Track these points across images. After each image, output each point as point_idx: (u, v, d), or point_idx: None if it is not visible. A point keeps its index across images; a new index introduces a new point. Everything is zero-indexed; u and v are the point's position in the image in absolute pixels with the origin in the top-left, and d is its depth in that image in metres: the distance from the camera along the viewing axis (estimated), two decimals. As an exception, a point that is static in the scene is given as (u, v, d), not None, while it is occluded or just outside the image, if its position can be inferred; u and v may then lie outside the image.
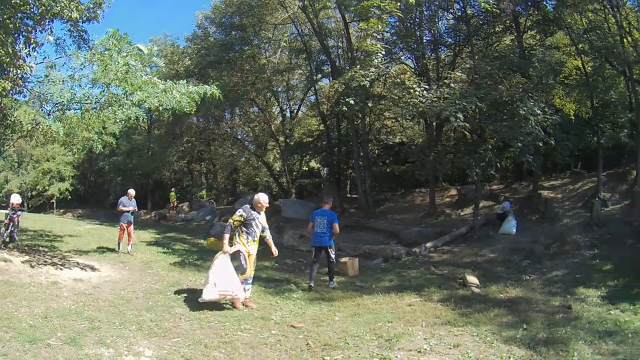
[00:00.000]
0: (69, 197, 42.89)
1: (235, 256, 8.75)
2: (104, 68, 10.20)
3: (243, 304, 8.74)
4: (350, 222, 21.94)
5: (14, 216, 13.62)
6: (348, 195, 30.17)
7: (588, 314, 8.04)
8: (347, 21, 24.91)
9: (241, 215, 8.71)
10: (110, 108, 10.71)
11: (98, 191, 45.14)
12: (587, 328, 7.27)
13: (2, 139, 14.79)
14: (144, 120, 10.87)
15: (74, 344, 6.29)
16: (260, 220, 8.97)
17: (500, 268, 12.60)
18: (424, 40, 21.95)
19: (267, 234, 9.30)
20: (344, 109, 18.11)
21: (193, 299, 9.18)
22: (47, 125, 10.21)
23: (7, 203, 15.82)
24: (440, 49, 23.10)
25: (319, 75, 30.89)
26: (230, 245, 8.65)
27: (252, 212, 8.82)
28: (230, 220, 8.83)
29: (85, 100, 11.00)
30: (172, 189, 36.07)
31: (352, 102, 17.20)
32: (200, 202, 34.05)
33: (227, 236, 8.56)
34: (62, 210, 42.52)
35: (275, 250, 9.58)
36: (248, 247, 8.80)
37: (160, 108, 10.55)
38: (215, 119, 35.30)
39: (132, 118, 10.69)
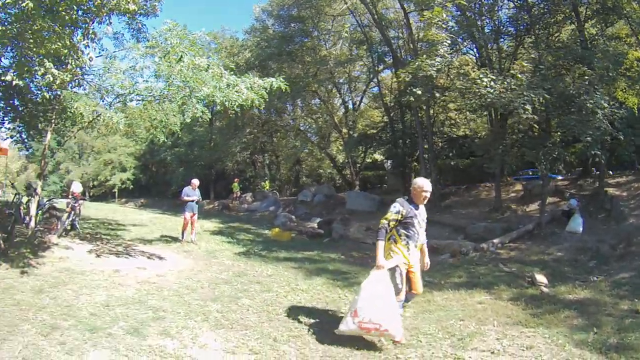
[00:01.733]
0: (131, 186, 45.81)
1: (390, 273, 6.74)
2: (168, 62, 10.55)
3: (395, 342, 6.66)
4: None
5: (76, 205, 14.23)
6: (412, 188, 29.78)
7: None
8: (407, 11, 24.96)
9: (398, 212, 6.62)
10: (172, 103, 11.05)
11: (160, 181, 46.95)
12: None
13: (62, 130, 15.50)
14: (203, 114, 11.03)
15: (136, 334, 6.44)
16: (422, 217, 6.92)
17: (567, 267, 12.66)
18: (486, 30, 21.42)
19: (424, 238, 7.13)
20: (411, 99, 18.24)
21: (260, 290, 9.33)
22: (108, 117, 10.50)
23: (68, 192, 16.52)
24: (501, 39, 22.49)
25: (381, 67, 30.76)
26: (387, 258, 6.67)
27: (411, 206, 6.73)
28: (384, 221, 6.61)
29: (148, 92, 11.32)
30: (235, 180, 37.11)
31: (419, 92, 17.34)
32: (264, 193, 34.77)
33: (382, 244, 6.56)
34: (123, 200, 44.96)
35: (428, 262, 7.38)
36: (408, 256, 6.76)
37: (227, 104, 10.61)
38: (277, 110, 35.88)
39: (198, 116, 10.95)
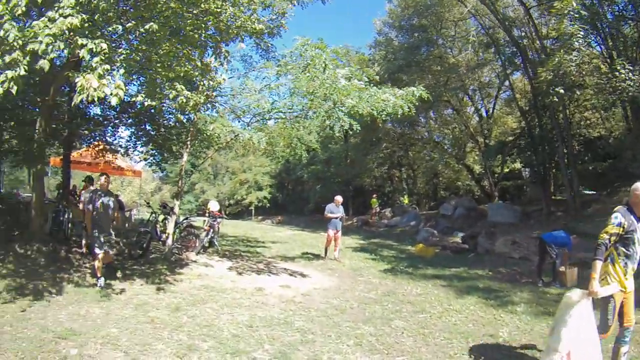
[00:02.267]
0: (268, 204, 46.69)
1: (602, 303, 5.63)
2: (308, 76, 10.39)
3: None
4: (558, 226, 19.93)
5: (214, 223, 14.54)
6: (553, 197, 27.76)
7: None
8: (528, 7, 23.32)
9: (620, 224, 5.38)
10: (314, 117, 10.78)
11: (297, 199, 47.58)
12: None
13: (198, 152, 15.83)
14: (353, 126, 10.53)
15: (284, 359, 5.97)
16: None
17: None
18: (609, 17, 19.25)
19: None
20: (554, 99, 16.88)
21: (412, 311, 8.61)
22: (247, 137, 10.36)
23: (204, 210, 16.88)
24: (623, 25, 20.08)
25: (510, 70, 29.06)
26: (602, 284, 5.47)
27: (632, 217, 5.44)
28: (605, 235, 5.38)
29: (288, 109, 11.12)
30: (374, 195, 36.74)
31: (561, 91, 16.12)
32: (403, 208, 34.01)
33: (599, 265, 5.37)
34: (260, 217, 46.03)
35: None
36: (625, 281, 5.49)
37: (375, 113, 10.20)
38: (410, 123, 35.09)
39: (346, 127, 10.48)
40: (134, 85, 11.09)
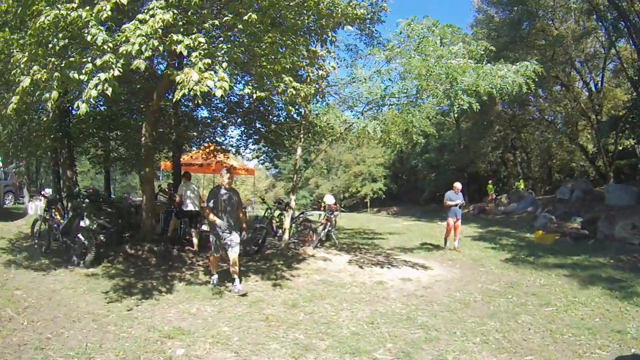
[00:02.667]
0: (383, 196, 46.22)
1: None
2: (422, 55, 9.80)
3: None
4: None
5: (331, 216, 14.31)
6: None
7: None
8: None
9: None
10: (430, 99, 10.21)
11: (411, 189, 46.88)
12: None
13: (312, 145, 15.65)
14: (472, 106, 9.85)
15: (407, 359, 5.51)
16: None
17: None
18: None
19: None
20: None
21: (537, 304, 8.00)
22: (362, 126, 9.98)
23: (320, 205, 16.74)
24: None
25: (615, 36, 26.57)
26: None
27: None
28: None
29: (403, 93, 10.59)
30: (489, 182, 35.59)
31: None
32: (519, 193, 32.27)
33: None
34: (375, 209, 45.70)
35: None
36: None
37: (494, 92, 9.61)
38: (521, 103, 33.38)
39: (465, 107, 9.90)
40: (240, 83, 11.10)
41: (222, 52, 6.72)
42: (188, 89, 5.78)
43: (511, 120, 36.02)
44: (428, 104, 10.50)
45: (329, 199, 15.30)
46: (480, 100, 9.87)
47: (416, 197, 43.63)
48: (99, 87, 5.74)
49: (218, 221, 8.32)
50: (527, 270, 11.03)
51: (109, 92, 5.78)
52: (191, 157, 20.93)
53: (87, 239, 9.99)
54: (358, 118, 10.80)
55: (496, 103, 29.76)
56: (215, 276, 8.95)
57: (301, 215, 14.34)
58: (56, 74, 6.04)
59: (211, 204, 8.50)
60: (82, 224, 10.98)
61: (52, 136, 12.57)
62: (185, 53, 6.04)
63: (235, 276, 8.52)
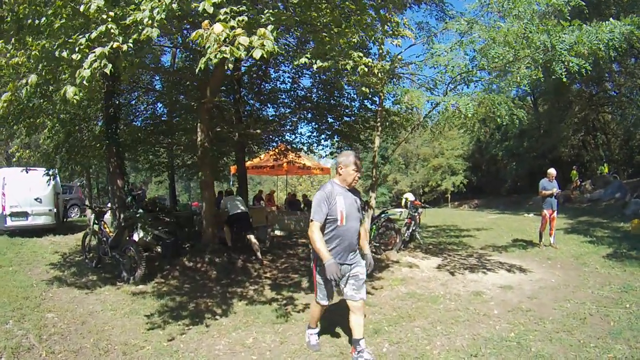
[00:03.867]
0: (464, 189, 44.22)
1: None
2: (512, 18, 8.08)
3: None
4: None
5: (416, 214, 12.71)
6: None
7: None
8: None
9: None
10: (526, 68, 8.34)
11: (492, 179, 44.66)
12: None
13: (390, 137, 14.09)
14: (581, 68, 7.90)
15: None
16: None
17: None
18: None
19: None
20: None
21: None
22: (450, 104, 8.24)
23: (401, 202, 15.27)
24: None
25: None
26: None
27: None
28: None
29: (491, 65, 8.71)
30: (573, 167, 32.56)
31: None
32: (604, 179, 29.52)
33: None
34: (456, 203, 43.54)
35: None
36: None
37: (600, 47, 7.65)
38: (598, 81, 30.35)
39: (574, 70, 7.82)
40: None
41: (267, 14, 5.24)
42: (214, 54, 4.12)
43: (589, 100, 33.33)
44: (527, 72, 8.49)
45: (411, 196, 13.70)
46: (585, 65, 7.86)
47: (497, 188, 41.97)
48: (95, 64, 4.38)
49: (327, 258, 4.67)
50: (635, 269, 9.25)
51: (107, 69, 4.45)
52: (260, 159, 19.75)
53: (137, 252, 8.84)
54: (443, 99, 8.99)
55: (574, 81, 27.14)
56: (315, 335, 5.63)
57: (382, 215, 12.50)
58: (34, 52, 5.06)
59: (319, 218, 4.85)
60: (135, 236, 9.91)
61: (97, 145, 11.76)
62: (210, 11, 4.39)
63: (359, 334, 5.06)
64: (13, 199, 13.90)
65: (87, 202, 21.85)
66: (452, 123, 10.17)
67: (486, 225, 18.84)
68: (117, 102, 11.52)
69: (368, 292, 7.54)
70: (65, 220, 17.69)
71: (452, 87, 9.47)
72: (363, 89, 8.14)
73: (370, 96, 11.64)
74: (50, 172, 11.80)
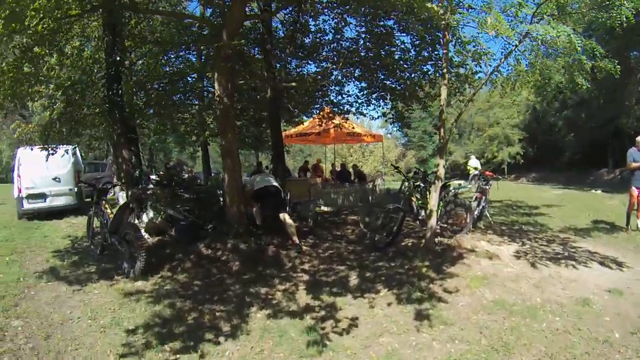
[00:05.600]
0: (521, 161, 41.02)
1: None
2: None
3: None
4: None
5: (486, 187, 10.19)
6: None
7: None
8: None
9: None
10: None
11: (549, 151, 40.90)
12: None
13: (455, 88, 11.47)
14: None
15: None
16: None
17: None
18: None
19: None
20: None
21: None
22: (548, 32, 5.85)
23: (455, 174, 12.96)
24: None
25: None
26: None
27: None
28: None
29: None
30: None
31: None
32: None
33: None
34: (513, 176, 40.47)
35: None
36: None
37: None
38: None
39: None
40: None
41: None
42: None
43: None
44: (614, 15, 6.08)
45: (474, 162, 11.10)
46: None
47: (555, 161, 38.47)
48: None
49: None
50: None
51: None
52: (304, 125, 17.44)
53: (136, 239, 6.90)
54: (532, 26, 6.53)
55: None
56: None
57: (450, 188, 9.70)
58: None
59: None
60: (144, 217, 8.11)
61: (97, 111, 10.16)
62: None
63: None
64: (29, 180, 12.32)
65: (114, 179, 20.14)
66: (526, 80, 7.84)
67: (554, 201, 16.03)
68: (119, 59, 9.57)
69: (439, 299, 5.54)
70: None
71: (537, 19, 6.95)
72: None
73: (427, 36, 9.35)
74: (70, 149, 10.64)
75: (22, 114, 24.62)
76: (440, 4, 6.57)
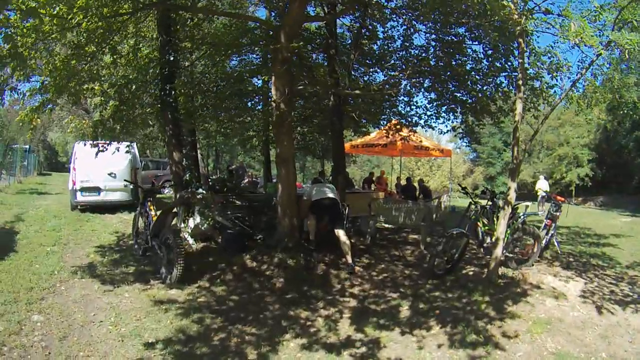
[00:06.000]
0: (589, 183, 38.94)
1: None
2: None
3: None
4: None
5: (557, 213, 9.02)
6: None
7: None
8: None
9: None
10: None
11: (618, 174, 38.94)
12: None
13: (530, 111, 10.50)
14: None
15: None
16: None
17: None
18: None
19: None
20: None
21: None
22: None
23: (525, 191, 12.15)
24: None
25: None
26: None
27: None
28: None
29: None
30: None
31: None
32: None
33: None
34: (580, 199, 38.38)
35: None
36: None
37: None
38: None
39: None
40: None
41: None
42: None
43: None
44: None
45: (544, 184, 10.22)
46: None
47: (624, 185, 36.78)
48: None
49: None
50: None
51: None
52: (371, 136, 17.07)
53: (175, 245, 6.63)
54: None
55: None
56: None
57: (519, 214, 8.61)
58: None
59: None
60: (190, 222, 7.95)
61: (149, 110, 10.09)
62: None
63: None
64: (84, 174, 12.52)
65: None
66: (603, 97, 7.09)
67: (623, 230, 14.66)
68: (173, 59, 9.34)
69: (496, 345, 4.89)
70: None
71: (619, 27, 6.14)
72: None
73: (500, 45, 8.65)
74: (127, 146, 10.67)
75: (86, 108, 25.11)
76: (515, 4, 5.93)
